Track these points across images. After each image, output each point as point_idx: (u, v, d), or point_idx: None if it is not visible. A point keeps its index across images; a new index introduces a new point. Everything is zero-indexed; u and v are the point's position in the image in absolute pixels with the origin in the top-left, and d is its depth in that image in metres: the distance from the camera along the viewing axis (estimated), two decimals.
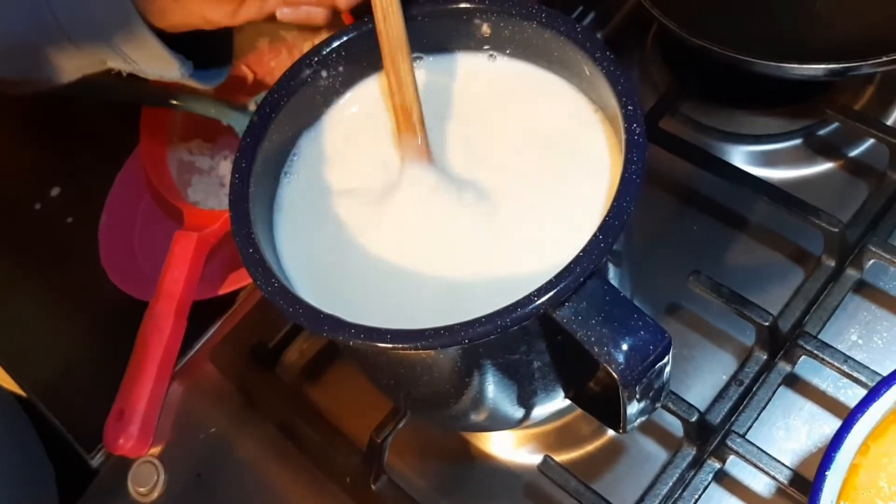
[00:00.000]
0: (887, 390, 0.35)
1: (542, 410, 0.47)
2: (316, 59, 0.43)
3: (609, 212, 0.35)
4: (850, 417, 0.35)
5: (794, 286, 0.54)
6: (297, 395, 0.57)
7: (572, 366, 0.44)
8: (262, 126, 0.42)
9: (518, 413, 0.46)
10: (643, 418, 0.41)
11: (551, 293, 0.34)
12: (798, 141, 0.60)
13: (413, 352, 0.38)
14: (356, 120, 0.45)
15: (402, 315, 0.39)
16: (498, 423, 0.47)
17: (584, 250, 0.35)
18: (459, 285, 0.40)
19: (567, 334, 0.39)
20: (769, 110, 0.61)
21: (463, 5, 0.42)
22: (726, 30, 0.56)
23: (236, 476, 0.56)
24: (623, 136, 0.37)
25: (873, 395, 0.35)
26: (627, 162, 0.36)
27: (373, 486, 0.51)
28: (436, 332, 0.34)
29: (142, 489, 0.56)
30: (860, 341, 0.52)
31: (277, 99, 0.42)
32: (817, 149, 0.60)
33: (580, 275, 0.35)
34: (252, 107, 0.65)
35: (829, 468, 0.34)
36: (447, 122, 0.43)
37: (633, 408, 0.38)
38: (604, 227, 0.35)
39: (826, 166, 0.59)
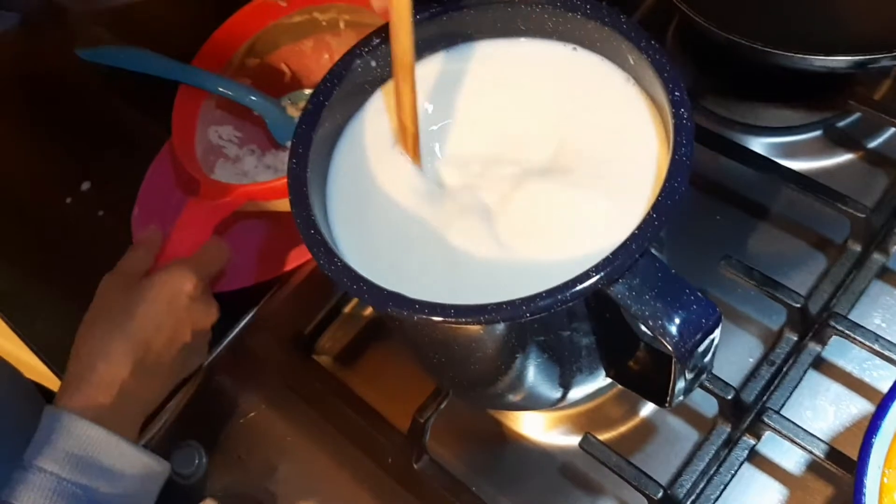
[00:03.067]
0: None
1: (582, 390, 0.49)
2: (367, 49, 0.45)
3: (661, 191, 0.37)
4: (894, 386, 0.37)
5: (816, 272, 0.56)
6: (334, 379, 0.59)
7: (615, 344, 0.45)
8: (316, 113, 0.43)
9: (559, 392, 0.48)
10: (687, 394, 0.42)
11: (609, 269, 0.36)
12: (818, 133, 0.62)
13: (468, 328, 0.40)
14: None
15: (449, 292, 0.40)
16: (540, 401, 0.49)
17: (638, 228, 0.37)
18: (507, 266, 0.41)
19: (617, 311, 0.41)
20: (789, 103, 0.63)
21: None
22: (749, 22, 0.58)
23: (277, 458, 0.57)
24: (671, 121, 0.39)
25: None
26: (677, 145, 0.38)
27: (415, 466, 0.52)
28: (498, 306, 0.36)
29: (185, 471, 0.57)
30: (883, 325, 0.54)
31: (330, 88, 0.44)
32: (837, 140, 0.62)
33: (635, 252, 0.36)
34: (285, 103, 0.66)
35: (876, 435, 0.36)
36: (496, 106, 0.45)
37: (681, 382, 0.39)
38: (657, 207, 0.37)
39: (845, 157, 0.61)
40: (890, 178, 0.59)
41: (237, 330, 0.62)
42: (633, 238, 0.36)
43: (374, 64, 0.45)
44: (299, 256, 0.63)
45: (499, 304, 0.36)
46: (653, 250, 0.39)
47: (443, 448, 0.55)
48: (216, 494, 0.56)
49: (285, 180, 0.50)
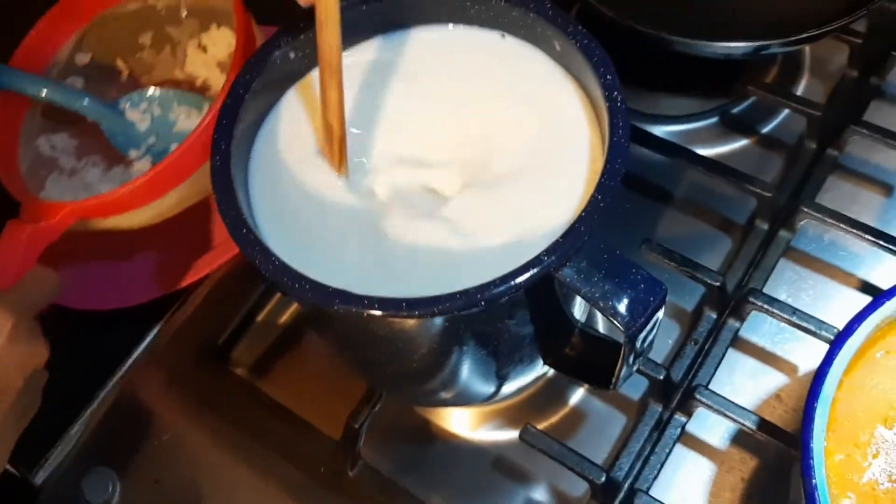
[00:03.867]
0: (858, 328, 0.39)
1: (519, 381, 0.49)
2: (285, 40, 0.43)
3: (603, 173, 0.37)
4: (828, 354, 0.38)
5: (724, 253, 0.58)
6: (253, 390, 0.56)
7: (552, 332, 0.45)
8: (236, 107, 0.41)
9: (497, 383, 0.47)
10: (630, 374, 0.43)
11: (559, 252, 0.36)
12: (714, 119, 0.65)
13: (413, 323, 0.39)
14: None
15: (385, 288, 0.39)
16: (478, 395, 0.48)
17: (584, 210, 0.37)
18: (446, 258, 0.40)
19: (554, 298, 0.41)
20: (687, 91, 0.65)
21: None
22: (648, 11, 0.59)
23: (198, 478, 0.54)
24: (605, 105, 0.39)
25: (846, 333, 0.39)
26: (613, 127, 0.38)
27: (350, 473, 0.50)
28: (452, 296, 0.35)
29: (96, 500, 0.53)
30: (790, 299, 0.56)
31: (250, 80, 0.42)
32: (732, 126, 0.64)
33: (583, 234, 0.36)
34: (123, 105, 0.59)
35: (818, 400, 0.37)
36: (424, 97, 0.44)
37: (630, 361, 0.40)
38: (600, 188, 0.37)
39: (741, 142, 0.64)
40: (783, 159, 0.62)
41: (144, 345, 0.59)
42: (579, 220, 0.36)
43: (292, 56, 0.44)
44: (206, 265, 0.60)
45: (452, 294, 0.35)
46: None
47: (374, 451, 0.53)
48: None
49: (121, 192, 0.50)
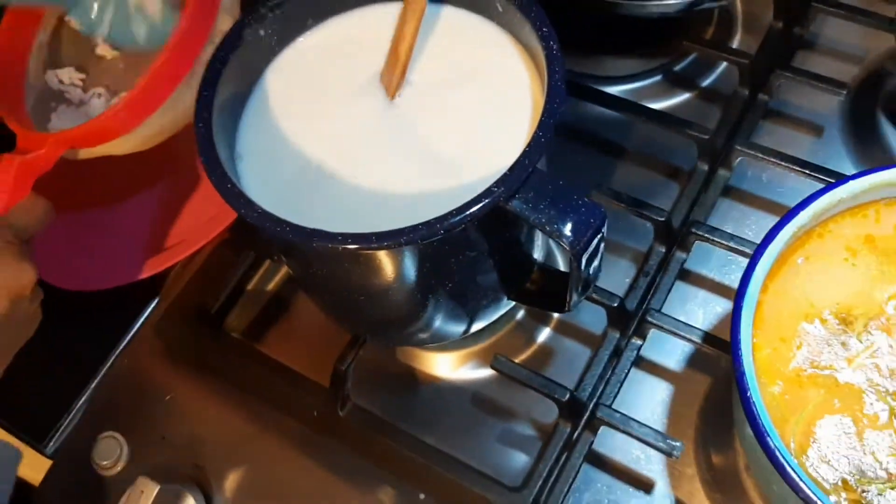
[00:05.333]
0: (778, 233, 0.44)
1: (488, 317, 0.53)
2: (254, 18, 0.48)
3: (543, 113, 0.42)
4: (752, 259, 0.43)
5: (673, 196, 0.63)
6: (248, 347, 0.61)
7: (513, 269, 0.50)
8: (215, 79, 0.46)
9: (467, 320, 0.52)
10: (582, 296, 0.48)
11: (508, 183, 0.40)
12: (658, 78, 0.70)
13: (383, 260, 0.44)
14: (302, 66, 0.50)
15: (351, 225, 0.43)
16: (451, 331, 0.53)
17: (528, 146, 0.42)
18: (406, 198, 0.45)
19: (513, 237, 0.46)
20: (630, 52, 0.70)
21: None
22: None
23: (201, 433, 0.58)
24: (543, 54, 0.44)
25: (768, 238, 0.44)
26: (551, 72, 0.43)
27: (340, 413, 0.55)
28: (414, 228, 0.40)
29: (105, 462, 0.58)
30: (738, 234, 0.61)
31: (226, 55, 0.47)
32: (675, 83, 0.69)
33: (528, 166, 0.41)
34: None
35: (744, 299, 0.42)
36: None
37: (578, 281, 0.45)
38: (541, 126, 0.42)
39: (683, 97, 0.69)
40: (722, 109, 0.67)
41: (143, 318, 0.63)
42: (524, 155, 0.41)
43: (262, 33, 0.48)
44: (196, 241, 0.65)
45: (416, 226, 0.40)
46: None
47: (363, 397, 0.58)
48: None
49: (103, 118, 0.51)
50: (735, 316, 0.42)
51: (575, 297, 0.47)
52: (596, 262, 0.45)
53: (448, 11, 0.50)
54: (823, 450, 0.42)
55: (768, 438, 0.39)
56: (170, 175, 0.67)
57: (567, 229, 0.41)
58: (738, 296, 0.43)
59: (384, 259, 0.43)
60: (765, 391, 0.43)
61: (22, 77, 0.60)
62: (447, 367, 0.60)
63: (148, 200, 0.67)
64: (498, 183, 0.41)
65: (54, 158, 0.53)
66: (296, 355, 0.61)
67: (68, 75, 0.61)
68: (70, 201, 0.62)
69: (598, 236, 0.42)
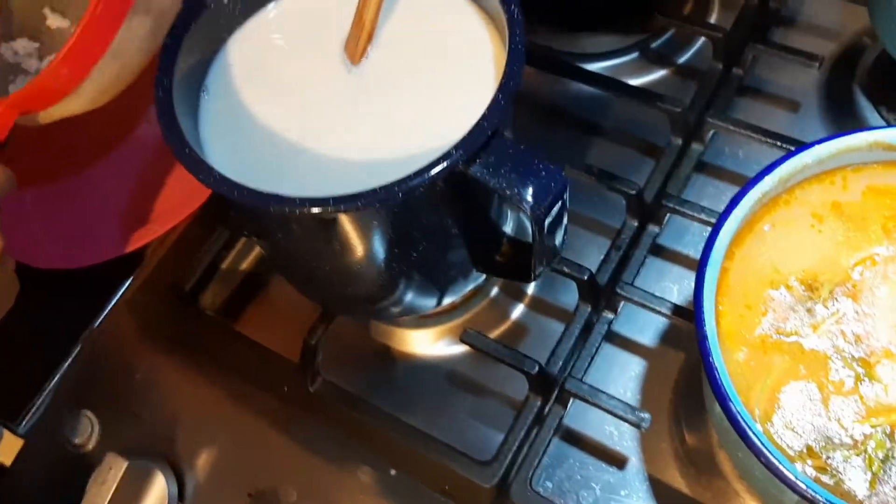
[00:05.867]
0: (742, 199, 0.43)
1: (457, 290, 0.53)
2: None
3: (504, 76, 0.42)
4: (716, 225, 0.43)
5: (649, 171, 0.63)
6: (221, 324, 0.61)
7: (481, 240, 0.50)
8: (175, 47, 0.46)
9: (437, 293, 0.52)
10: (547, 265, 0.47)
11: (466, 146, 0.40)
12: (635, 55, 0.69)
13: (342, 225, 0.43)
14: (266, 34, 0.49)
15: (313, 190, 0.43)
16: (422, 304, 0.53)
17: (488, 110, 0.41)
18: (367, 162, 0.45)
19: (477, 192, 0.45)
20: (607, 29, 0.70)
21: None
22: None
23: (173, 409, 0.58)
24: (504, 17, 0.44)
25: (732, 204, 0.43)
26: (512, 36, 0.43)
27: (310, 388, 0.55)
28: (373, 191, 0.40)
29: (78, 440, 0.58)
30: (710, 207, 0.61)
31: (187, 21, 0.46)
32: (652, 60, 0.69)
33: (487, 129, 0.41)
34: None
35: (707, 264, 0.42)
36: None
37: (541, 247, 0.44)
38: (501, 89, 0.42)
39: (661, 73, 0.69)
40: (697, 85, 0.67)
41: (117, 297, 0.63)
42: (484, 118, 0.41)
43: (225, 1, 0.48)
44: (169, 219, 0.64)
45: (373, 189, 0.40)
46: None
47: (335, 374, 0.58)
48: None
49: (46, 72, 0.48)
50: (698, 281, 0.42)
51: (539, 267, 0.46)
52: (560, 231, 0.45)
53: None
54: (788, 416, 0.41)
55: (731, 404, 0.39)
56: (137, 137, 0.66)
57: (528, 194, 0.41)
58: (701, 261, 0.42)
59: (345, 225, 0.43)
60: (729, 358, 0.42)
61: None
62: (421, 343, 0.60)
63: (119, 168, 0.66)
64: (457, 146, 0.40)
65: (8, 124, 0.51)
66: (270, 333, 0.60)
67: (22, 46, 0.59)
68: (37, 174, 0.62)
69: (560, 202, 0.42)
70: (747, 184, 0.44)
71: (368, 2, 0.47)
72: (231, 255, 0.65)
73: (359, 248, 0.45)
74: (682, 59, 0.69)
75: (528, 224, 0.43)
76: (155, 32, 0.49)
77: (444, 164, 0.40)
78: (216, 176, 0.41)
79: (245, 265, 0.65)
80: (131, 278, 0.64)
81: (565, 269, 0.54)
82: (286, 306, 0.62)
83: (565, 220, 0.45)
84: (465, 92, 0.46)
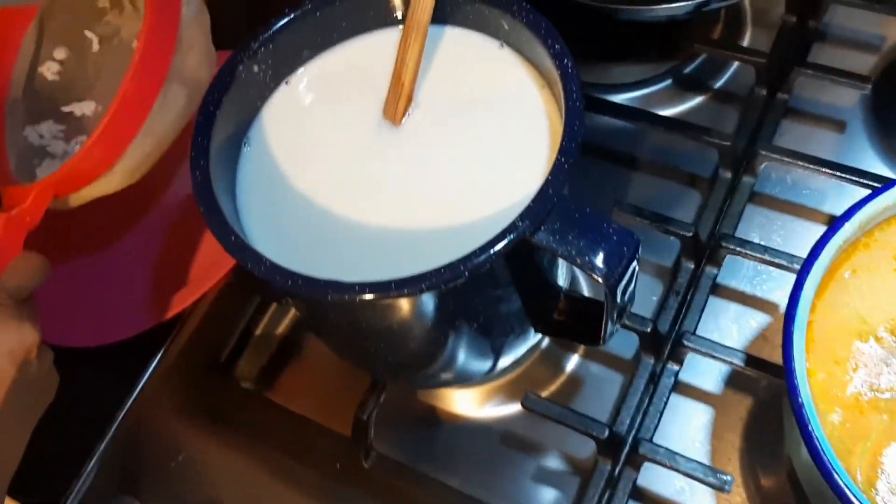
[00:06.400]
0: (824, 248, 0.41)
1: (514, 353, 0.50)
2: (247, 55, 0.45)
3: (564, 136, 0.39)
4: (798, 279, 0.40)
5: (694, 206, 0.60)
6: (261, 400, 0.58)
7: (538, 299, 0.47)
8: (209, 123, 0.43)
9: (493, 358, 0.49)
10: (616, 326, 0.45)
11: (532, 216, 0.37)
12: (668, 82, 0.67)
13: (406, 304, 0.41)
14: (300, 101, 0.47)
15: (374, 274, 0.40)
16: (476, 371, 0.50)
17: (551, 174, 0.38)
18: (423, 236, 0.42)
19: (536, 266, 0.43)
20: (637, 58, 0.67)
21: None
22: None
23: (219, 490, 0.55)
24: (557, 72, 0.41)
25: (811, 257, 0.41)
26: (568, 92, 0.40)
27: (365, 465, 0.52)
28: (437, 271, 0.37)
29: None
30: (763, 242, 0.58)
31: (218, 97, 0.44)
32: (686, 86, 0.66)
33: (552, 196, 0.38)
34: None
35: (794, 323, 0.39)
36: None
37: (613, 314, 0.41)
38: (563, 151, 0.39)
39: (696, 101, 0.66)
40: (738, 110, 0.64)
41: (149, 372, 0.60)
42: (547, 184, 0.38)
43: (256, 69, 0.45)
44: (198, 288, 0.62)
45: (437, 269, 0.37)
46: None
47: (385, 443, 0.55)
48: None
49: (85, 156, 0.47)
50: (786, 342, 0.39)
51: (611, 330, 0.44)
52: (630, 289, 0.42)
53: (451, 32, 0.47)
54: (893, 481, 0.39)
55: (836, 476, 0.36)
56: (160, 206, 0.63)
57: (599, 260, 0.38)
58: (787, 319, 0.40)
59: (404, 305, 0.40)
60: (824, 420, 0.39)
61: (2, 136, 0.58)
62: (473, 404, 0.57)
63: (145, 236, 0.64)
64: (522, 216, 0.38)
65: (41, 210, 0.50)
66: (311, 402, 0.58)
67: (48, 128, 0.58)
68: (62, 252, 0.59)
69: (633, 265, 0.39)
70: (827, 232, 0.41)
71: (406, 61, 0.44)
72: (264, 320, 0.62)
73: (416, 327, 0.42)
74: (717, 84, 0.66)
75: (592, 282, 0.41)
76: (189, 103, 0.47)
77: (511, 236, 0.37)
78: (266, 264, 0.38)
79: (280, 329, 0.62)
80: (163, 350, 0.61)
81: (626, 322, 0.51)
82: (326, 371, 0.59)
83: (636, 279, 0.42)
84: (516, 152, 0.43)
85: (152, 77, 0.48)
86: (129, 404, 0.59)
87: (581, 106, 0.40)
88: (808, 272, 0.40)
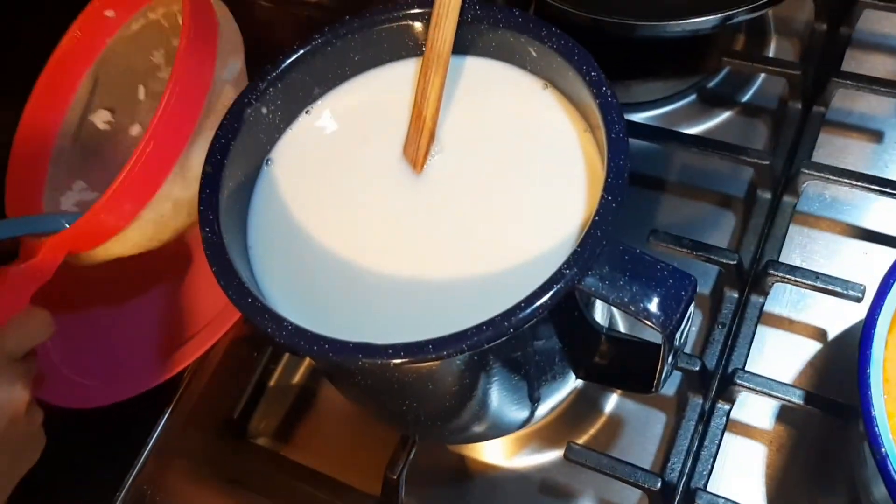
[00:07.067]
0: (891, 289, 0.37)
1: (554, 399, 0.47)
2: (254, 96, 0.41)
3: (608, 172, 0.36)
4: (869, 316, 0.37)
5: (730, 229, 0.57)
6: (279, 459, 0.54)
7: (579, 344, 0.44)
8: (217, 174, 0.39)
9: (533, 407, 0.45)
10: (672, 373, 0.41)
11: (581, 262, 0.34)
12: (692, 98, 0.63)
13: (435, 364, 0.37)
14: (312, 143, 0.43)
15: (405, 331, 0.37)
16: (514, 422, 0.46)
17: (598, 214, 0.35)
18: (457, 286, 0.39)
19: (575, 310, 0.39)
20: (659, 74, 0.64)
21: (397, 13, 0.42)
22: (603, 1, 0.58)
23: None
24: (596, 102, 0.38)
25: (882, 292, 0.37)
26: (609, 123, 0.37)
27: None
28: (478, 329, 0.33)
29: None
30: (804, 263, 0.55)
31: (226, 144, 0.40)
32: (711, 101, 0.63)
33: (601, 238, 0.34)
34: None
35: (870, 365, 0.36)
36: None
37: (669, 360, 0.38)
38: (608, 188, 0.35)
39: (723, 116, 0.63)
40: (768, 125, 0.61)
41: (157, 431, 0.56)
42: (594, 225, 0.35)
43: (265, 111, 0.42)
44: (206, 340, 0.58)
45: (478, 327, 0.33)
46: None
47: (415, 499, 0.51)
48: None
49: (100, 211, 0.46)
50: (863, 385, 0.36)
51: (665, 375, 0.40)
52: (686, 333, 0.39)
53: (473, 63, 0.43)
54: None
55: None
56: (171, 271, 0.60)
57: (655, 307, 0.34)
58: (862, 361, 0.36)
59: (440, 365, 0.37)
60: None
61: (40, 195, 0.57)
62: (506, 452, 0.53)
63: (151, 298, 0.60)
64: (569, 262, 0.34)
65: (53, 265, 0.49)
66: (334, 458, 0.54)
67: (80, 190, 0.58)
68: (66, 306, 0.56)
69: (690, 309, 0.36)
70: (893, 268, 0.38)
71: (427, 95, 0.41)
72: (278, 370, 0.58)
73: (451, 385, 0.39)
74: (744, 98, 0.63)
75: (650, 330, 0.37)
76: None
77: (558, 286, 0.34)
78: (288, 327, 0.35)
79: (295, 380, 0.58)
80: (171, 408, 0.57)
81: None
82: (346, 423, 0.56)
83: (691, 322, 0.38)
84: (553, 191, 0.40)
85: (173, 139, 0.46)
86: (136, 468, 0.55)
87: (625, 139, 0.36)
88: (880, 307, 0.37)
